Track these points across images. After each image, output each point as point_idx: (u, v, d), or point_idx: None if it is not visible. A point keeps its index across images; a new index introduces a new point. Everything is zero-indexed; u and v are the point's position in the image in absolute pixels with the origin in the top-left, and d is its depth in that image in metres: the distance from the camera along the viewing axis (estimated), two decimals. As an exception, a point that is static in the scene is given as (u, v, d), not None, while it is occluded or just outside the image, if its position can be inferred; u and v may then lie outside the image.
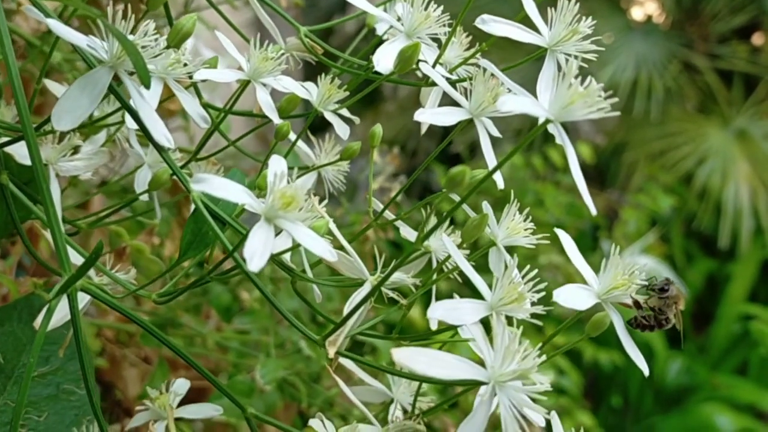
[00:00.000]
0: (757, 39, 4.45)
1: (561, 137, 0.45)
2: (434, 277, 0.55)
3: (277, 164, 0.48)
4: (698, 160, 3.64)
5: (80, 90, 0.46)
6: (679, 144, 3.73)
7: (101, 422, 0.55)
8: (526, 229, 0.56)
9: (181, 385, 0.67)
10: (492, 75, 0.55)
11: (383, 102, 4.28)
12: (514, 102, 0.41)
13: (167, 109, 1.10)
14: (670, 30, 4.26)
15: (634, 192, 3.50)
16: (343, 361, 0.69)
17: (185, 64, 0.58)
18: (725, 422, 2.73)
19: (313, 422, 0.56)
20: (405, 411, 0.65)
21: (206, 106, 0.67)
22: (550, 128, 0.45)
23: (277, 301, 1.16)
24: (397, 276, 0.55)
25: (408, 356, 0.44)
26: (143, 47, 0.50)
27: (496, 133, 0.57)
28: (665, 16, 4.44)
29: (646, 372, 0.51)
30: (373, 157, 0.61)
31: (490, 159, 0.54)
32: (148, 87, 0.44)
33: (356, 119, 0.66)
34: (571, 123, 0.44)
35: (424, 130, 0.64)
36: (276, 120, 0.60)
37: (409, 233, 0.63)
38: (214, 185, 0.44)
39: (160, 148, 0.50)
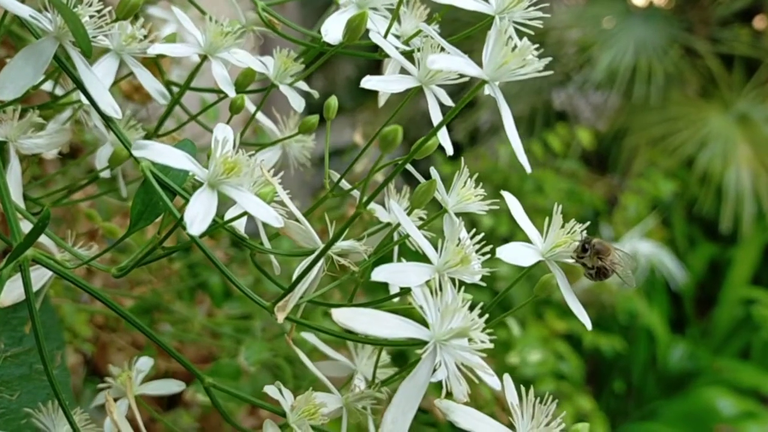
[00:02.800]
0: (758, 22, 4.42)
1: (497, 97, 0.45)
2: (387, 246, 0.56)
3: (221, 132, 0.49)
4: (699, 144, 3.62)
5: (24, 60, 0.47)
6: (680, 129, 3.70)
7: (59, 395, 0.55)
8: (476, 196, 0.56)
9: (145, 363, 0.68)
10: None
11: (383, 92, 4.27)
12: (445, 60, 0.42)
13: (147, 94, 1.10)
14: (671, 14, 4.23)
15: (635, 177, 3.48)
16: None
17: (142, 40, 0.59)
18: (727, 406, 2.72)
19: (268, 388, 0.57)
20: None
21: (168, 83, 0.68)
22: (487, 90, 0.45)
23: (247, 281, 1.16)
24: (349, 244, 0.56)
25: (348, 316, 0.44)
26: (90, 17, 0.50)
27: (448, 101, 0.57)
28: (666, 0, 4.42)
29: (589, 327, 0.52)
30: (329, 128, 0.61)
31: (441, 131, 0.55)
32: (88, 55, 0.45)
33: (315, 93, 0.66)
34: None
35: (381, 102, 0.65)
36: (232, 94, 0.61)
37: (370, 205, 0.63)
38: (156, 151, 0.45)
39: (107, 119, 0.51)
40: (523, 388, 0.56)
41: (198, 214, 0.44)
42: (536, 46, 0.51)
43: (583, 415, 2.27)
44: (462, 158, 0.61)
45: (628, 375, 3.15)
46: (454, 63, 0.42)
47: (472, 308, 0.46)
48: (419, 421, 1.26)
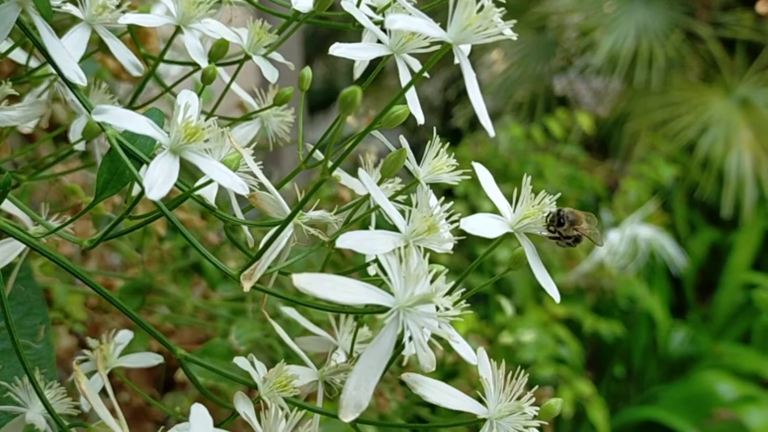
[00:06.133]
0: (761, 6, 4.39)
1: (461, 61, 0.45)
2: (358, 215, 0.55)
3: (185, 98, 0.48)
4: (701, 129, 3.61)
5: (-16, 26, 0.46)
6: (681, 113, 3.69)
7: (28, 370, 0.55)
8: (448, 166, 0.55)
9: (124, 336, 0.68)
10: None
11: (385, 77, 4.26)
12: (405, 20, 0.41)
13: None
14: (673, -1, 4.21)
15: (635, 162, 3.47)
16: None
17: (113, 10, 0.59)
18: (727, 390, 2.72)
19: (238, 360, 0.56)
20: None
21: (145, 56, 0.67)
22: (456, 59, 0.45)
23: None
24: (319, 214, 0.55)
25: (310, 281, 0.44)
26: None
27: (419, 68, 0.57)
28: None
29: (557, 299, 0.51)
30: (303, 103, 0.61)
31: (411, 96, 0.54)
32: (48, 18, 0.44)
33: (290, 64, 0.66)
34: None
35: (357, 74, 0.64)
36: (204, 65, 0.60)
37: (347, 180, 0.63)
38: (115, 116, 0.45)
39: (71, 85, 0.50)
40: (503, 364, 0.55)
41: (158, 179, 0.43)
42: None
43: (583, 400, 2.27)
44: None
45: (628, 360, 3.15)
46: (414, 24, 0.41)
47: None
48: (413, 401, 1.26)
